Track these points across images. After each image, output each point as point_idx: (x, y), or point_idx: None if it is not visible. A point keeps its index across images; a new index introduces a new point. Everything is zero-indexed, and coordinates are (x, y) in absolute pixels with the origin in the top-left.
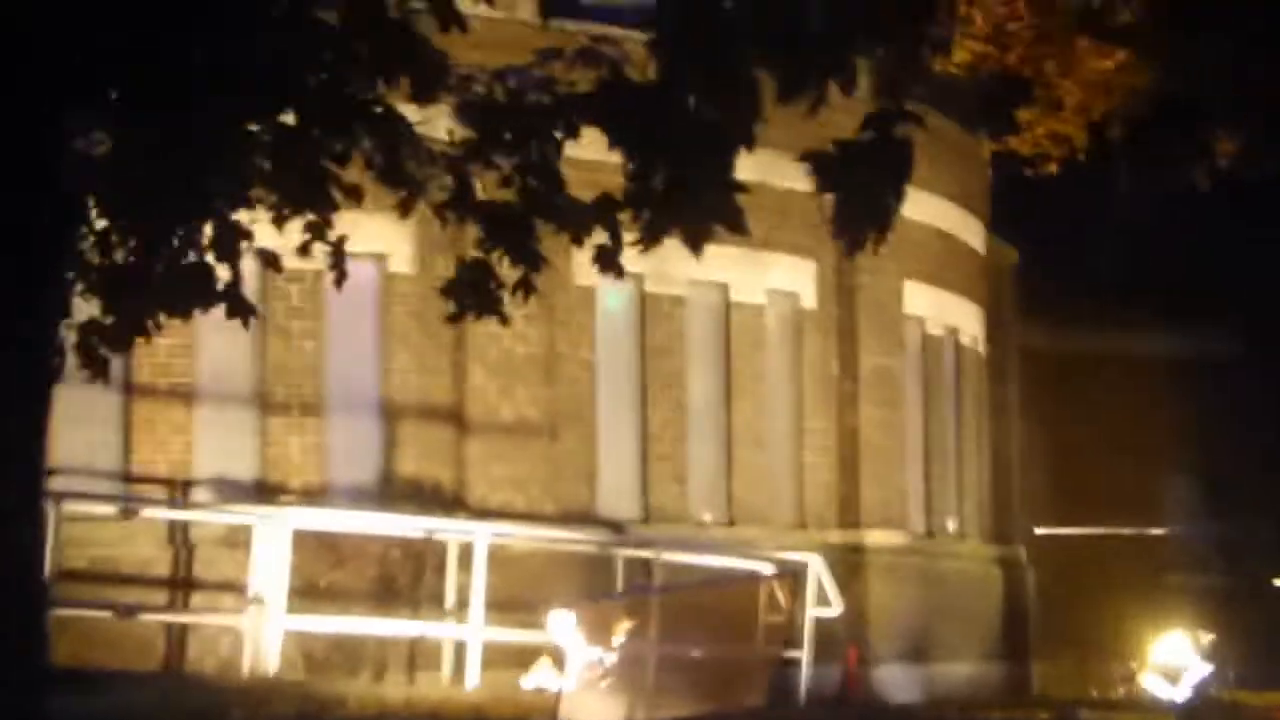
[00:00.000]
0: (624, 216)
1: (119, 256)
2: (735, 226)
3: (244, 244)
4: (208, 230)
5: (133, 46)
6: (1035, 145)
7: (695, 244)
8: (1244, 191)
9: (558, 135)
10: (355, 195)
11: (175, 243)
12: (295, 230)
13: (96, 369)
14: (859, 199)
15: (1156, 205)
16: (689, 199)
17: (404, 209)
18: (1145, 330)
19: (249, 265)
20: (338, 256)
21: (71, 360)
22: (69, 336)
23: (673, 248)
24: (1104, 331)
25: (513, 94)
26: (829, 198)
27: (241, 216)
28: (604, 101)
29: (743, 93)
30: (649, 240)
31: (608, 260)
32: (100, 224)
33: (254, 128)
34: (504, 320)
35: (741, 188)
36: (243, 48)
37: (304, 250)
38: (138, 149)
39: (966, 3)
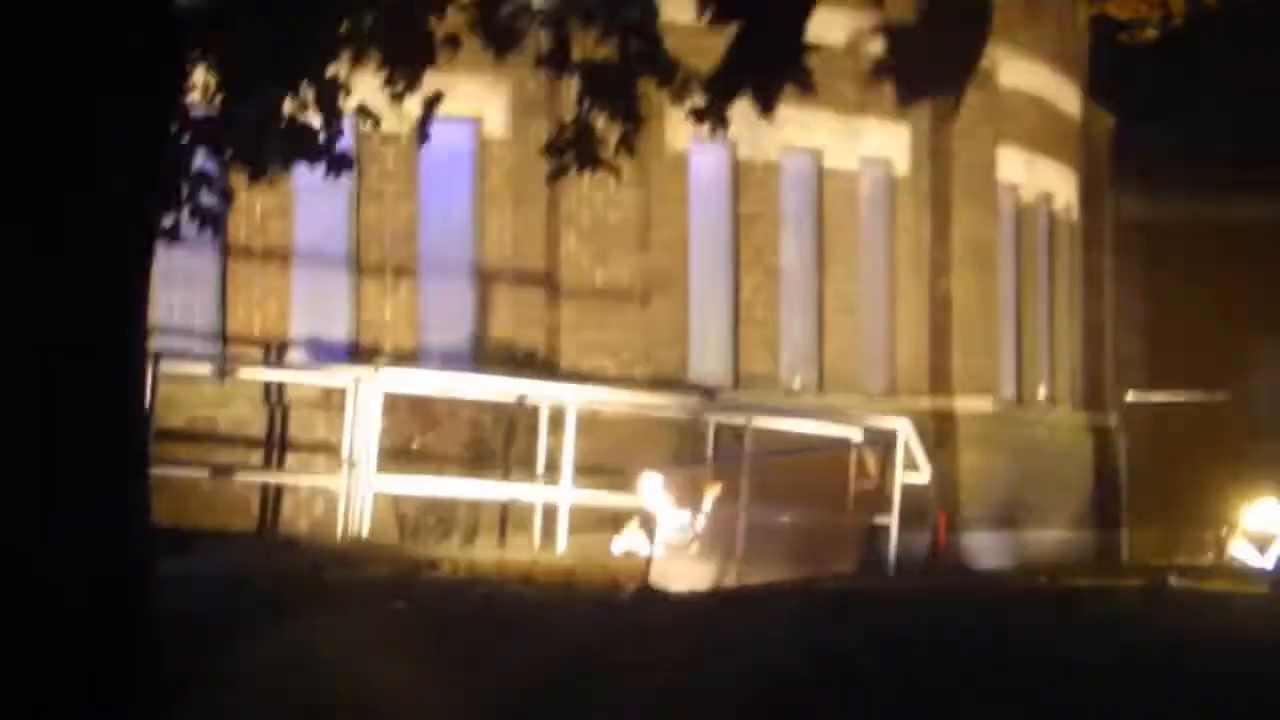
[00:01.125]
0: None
1: (224, 107)
2: (803, 84)
3: (344, 100)
4: (310, 87)
5: None
6: (1133, 10)
7: (766, 103)
8: None
9: None
10: (453, 44)
11: (279, 97)
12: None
13: (206, 220)
14: (937, 61)
15: (1256, 71)
16: (756, 55)
17: (501, 55)
18: (1243, 197)
19: (346, 129)
20: (428, 112)
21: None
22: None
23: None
24: (1201, 198)
25: None
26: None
27: (343, 71)
28: None
29: None
30: (722, 98)
31: (704, 118)
32: (205, 77)
33: None
34: (615, 172)
35: (809, 46)
36: None
37: (399, 98)
38: (245, 4)
39: None
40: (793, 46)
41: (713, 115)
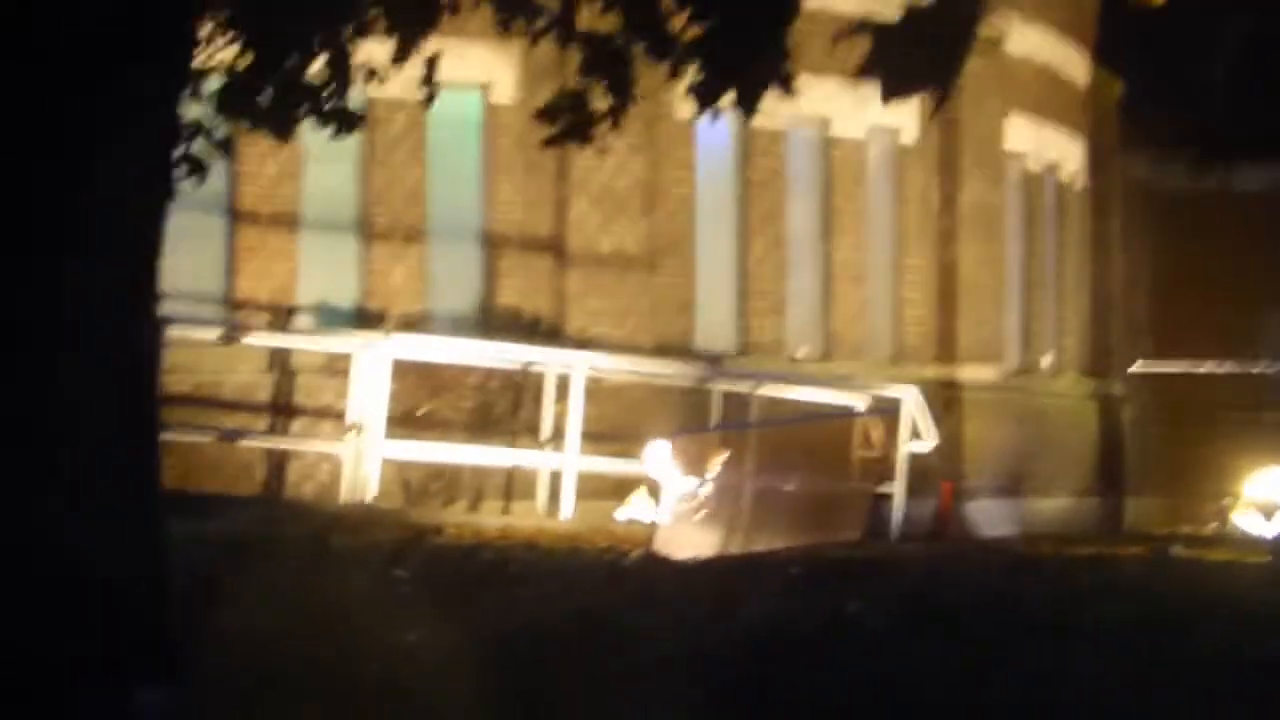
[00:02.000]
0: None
1: (234, 65)
2: (785, 88)
3: (351, 64)
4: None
5: None
6: None
7: (749, 105)
8: None
9: None
10: (453, 9)
11: (288, 61)
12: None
13: (195, 169)
14: (915, 68)
15: (1266, 36)
16: (742, 61)
17: (506, 25)
18: (1250, 166)
19: (354, 93)
20: (429, 74)
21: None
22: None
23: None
24: (1209, 165)
25: None
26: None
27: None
28: None
29: None
30: (706, 100)
31: (701, 96)
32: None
33: None
34: (603, 146)
35: (788, 51)
36: None
37: (400, 58)
38: None
39: None
40: (773, 52)
41: (708, 98)
